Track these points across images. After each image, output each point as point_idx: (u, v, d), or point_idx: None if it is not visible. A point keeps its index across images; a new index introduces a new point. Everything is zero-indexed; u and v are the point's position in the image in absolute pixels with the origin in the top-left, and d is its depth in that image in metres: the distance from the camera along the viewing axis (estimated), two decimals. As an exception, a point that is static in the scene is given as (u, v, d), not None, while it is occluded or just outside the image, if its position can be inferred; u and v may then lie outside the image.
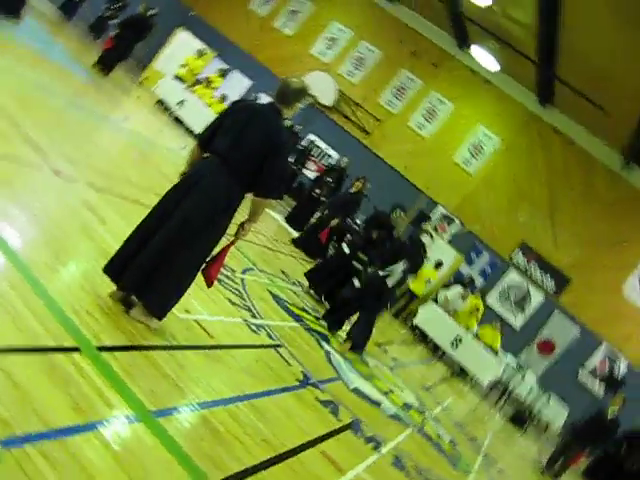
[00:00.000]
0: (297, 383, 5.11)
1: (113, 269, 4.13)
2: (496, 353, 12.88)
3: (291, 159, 13.92)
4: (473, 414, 10.54)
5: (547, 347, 15.78)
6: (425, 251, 8.19)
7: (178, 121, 15.07)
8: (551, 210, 16.19)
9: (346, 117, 17.72)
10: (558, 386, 14.38)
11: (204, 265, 4.34)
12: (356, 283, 8.16)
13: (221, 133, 4.35)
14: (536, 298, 16.13)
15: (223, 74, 17.11)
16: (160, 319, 4.19)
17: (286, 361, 5.44)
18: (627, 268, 15.41)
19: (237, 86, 18.25)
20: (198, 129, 14.41)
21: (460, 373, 12.43)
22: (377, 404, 6.42)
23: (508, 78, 16.70)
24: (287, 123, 14.22)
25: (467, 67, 17.21)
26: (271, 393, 4.56)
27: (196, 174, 4.27)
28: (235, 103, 4.58)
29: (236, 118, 4.36)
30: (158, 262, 4.09)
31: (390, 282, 7.70)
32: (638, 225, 15.46)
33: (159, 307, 4.18)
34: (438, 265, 14.55)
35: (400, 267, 7.83)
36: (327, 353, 6.66)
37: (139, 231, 4.18)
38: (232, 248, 4.56)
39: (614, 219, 15.59)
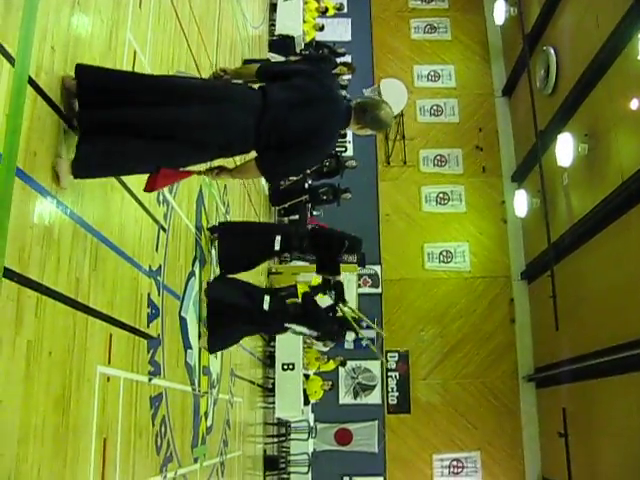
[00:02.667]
0: (147, 268, 4.91)
1: (86, 73, 3.42)
2: (307, 403, 12.85)
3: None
4: (245, 428, 10.45)
5: (344, 438, 15.90)
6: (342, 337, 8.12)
7: (272, 6, 14.72)
8: (449, 350, 16.36)
9: (386, 136, 17.54)
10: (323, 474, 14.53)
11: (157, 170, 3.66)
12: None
13: (285, 86, 3.81)
14: (374, 398, 16.24)
15: (338, 10, 16.76)
16: (75, 177, 3.41)
17: (157, 245, 5.23)
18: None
19: (335, 33, 17.94)
20: (278, 27, 14.05)
21: (269, 390, 12.35)
22: (188, 347, 6.26)
23: (519, 232, 16.78)
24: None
25: (501, 195, 17.25)
26: (120, 254, 4.35)
27: (228, 93, 3.68)
28: (322, 73, 4.05)
29: (310, 87, 3.85)
30: (126, 117, 3.37)
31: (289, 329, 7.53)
32: (488, 430, 15.71)
33: (82, 168, 3.38)
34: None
35: (305, 331, 7.76)
36: (192, 273, 6.47)
37: (137, 74, 3.75)
38: (192, 176, 4.16)
39: (481, 409, 15.89)
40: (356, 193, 14.59)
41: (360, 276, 16.17)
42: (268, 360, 12.49)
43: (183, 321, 6.06)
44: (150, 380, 4.95)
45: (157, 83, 3.66)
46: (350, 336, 9.03)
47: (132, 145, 3.41)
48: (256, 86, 3.89)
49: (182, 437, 6.01)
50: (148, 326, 4.93)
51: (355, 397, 16.18)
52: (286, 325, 7.77)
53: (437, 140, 17.84)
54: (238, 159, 4.42)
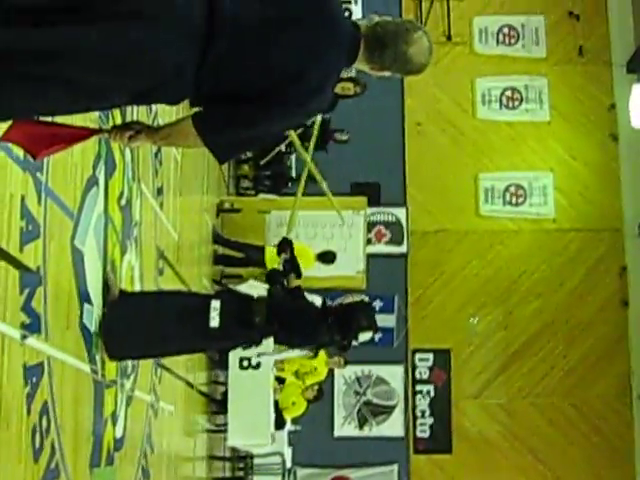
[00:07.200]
0: (20, 155, 4.94)
1: None
2: (281, 426, 12.91)
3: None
4: (178, 462, 10.55)
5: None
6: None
7: None
8: (518, 350, 16.51)
9: None
10: None
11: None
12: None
13: None
14: (392, 428, 16.39)
15: None
16: None
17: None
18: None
19: None
20: None
21: (218, 402, 12.46)
22: (85, 299, 6.29)
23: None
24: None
25: (609, 94, 17.32)
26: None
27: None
28: None
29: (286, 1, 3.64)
30: None
31: None
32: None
33: None
34: (325, 257, 14.09)
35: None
36: (92, 180, 6.50)
37: None
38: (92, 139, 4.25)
39: (570, 446, 16.09)
40: (369, 91, 14.49)
41: (372, 225, 16.18)
42: (217, 355, 12.64)
43: (78, 255, 6.13)
44: (24, 338, 5.06)
45: None
46: (365, 336, 9.02)
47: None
48: None
49: (75, 444, 6.13)
50: (21, 250, 5.03)
51: (361, 426, 16.37)
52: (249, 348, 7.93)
53: (503, 1, 17.90)
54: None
